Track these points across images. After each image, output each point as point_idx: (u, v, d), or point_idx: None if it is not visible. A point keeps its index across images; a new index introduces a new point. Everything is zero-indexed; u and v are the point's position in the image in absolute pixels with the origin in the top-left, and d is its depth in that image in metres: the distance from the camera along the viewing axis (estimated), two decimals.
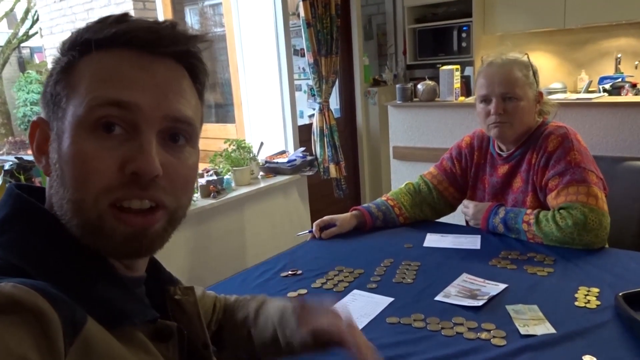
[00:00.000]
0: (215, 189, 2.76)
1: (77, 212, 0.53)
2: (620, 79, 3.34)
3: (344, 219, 1.62)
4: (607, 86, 3.10)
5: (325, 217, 1.62)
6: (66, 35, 0.59)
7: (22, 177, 2.12)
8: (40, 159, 0.57)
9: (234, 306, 0.86)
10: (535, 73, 1.52)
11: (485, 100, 1.51)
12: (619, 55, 3.74)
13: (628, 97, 2.78)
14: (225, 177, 2.90)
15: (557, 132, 1.47)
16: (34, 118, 0.58)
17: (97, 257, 0.55)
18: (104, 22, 0.56)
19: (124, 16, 0.56)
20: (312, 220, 1.64)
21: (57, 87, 0.55)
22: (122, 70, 0.54)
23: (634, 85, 3.06)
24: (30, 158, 2.35)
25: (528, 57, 1.54)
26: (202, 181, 2.79)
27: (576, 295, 1.11)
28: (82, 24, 0.59)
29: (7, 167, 2.20)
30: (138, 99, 0.53)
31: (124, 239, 0.54)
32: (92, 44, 0.55)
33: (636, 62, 3.68)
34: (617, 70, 3.73)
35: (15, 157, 2.37)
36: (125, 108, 0.53)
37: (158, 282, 0.66)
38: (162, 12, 3.62)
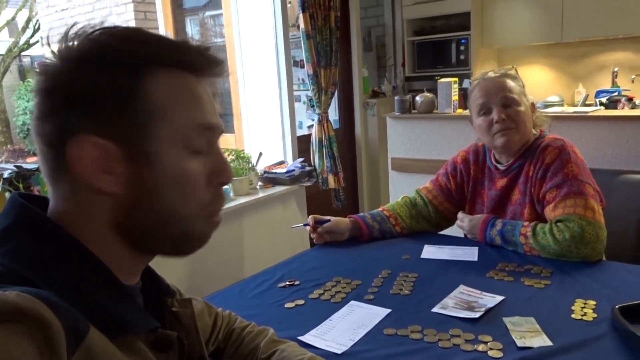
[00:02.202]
0: None
1: (180, 223, 0.58)
2: (617, 93, 3.37)
3: (339, 218, 1.64)
4: (604, 100, 3.12)
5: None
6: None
7: (21, 185, 2.12)
8: (103, 177, 0.55)
9: (240, 335, 0.86)
10: (524, 85, 1.57)
11: (485, 111, 1.52)
12: (616, 69, 3.77)
13: (625, 111, 2.80)
14: (224, 187, 2.90)
15: (554, 145, 1.48)
16: (80, 138, 0.54)
17: (100, 266, 0.55)
18: (162, 41, 0.58)
19: (186, 42, 0.60)
20: (310, 231, 1.65)
21: (126, 104, 0.54)
22: (201, 94, 0.60)
23: (630, 99, 3.09)
24: (30, 166, 2.35)
25: (516, 70, 1.58)
26: None
27: (573, 307, 1.11)
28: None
29: (6, 175, 2.20)
30: (218, 120, 0.61)
31: (209, 236, 0.62)
32: (159, 62, 0.57)
33: (633, 76, 3.72)
34: (613, 84, 3.76)
35: (15, 166, 2.37)
36: (212, 130, 0.60)
37: (155, 292, 0.67)
38: (163, 22, 3.65)
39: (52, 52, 0.56)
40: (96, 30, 0.56)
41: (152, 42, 0.58)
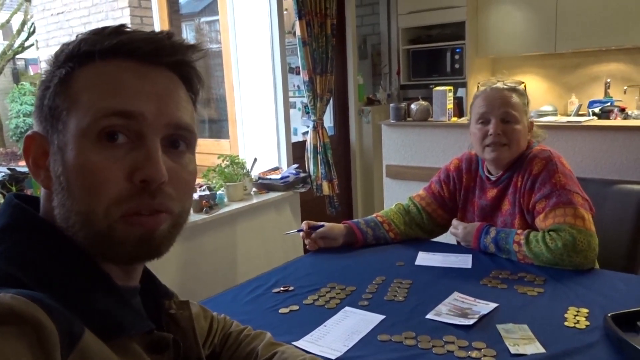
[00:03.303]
0: (207, 204, 2.76)
1: (87, 223, 0.53)
2: (609, 103, 3.41)
3: (333, 224, 1.65)
4: (597, 110, 3.15)
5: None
6: None
7: (14, 188, 2.11)
8: (39, 172, 0.57)
9: (237, 339, 0.86)
10: (528, 103, 1.57)
11: (484, 121, 1.53)
12: (609, 80, 3.81)
13: (617, 121, 2.83)
14: (218, 193, 2.90)
15: (541, 156, 1.49)
16: (29, 132, 0.57)
17: (95, 268, 0.55)
18: (101, 33, 0.57)
19: (121, 27, 0.58)
20: (303, 237, 1.65)
21: (56, 100, 0.55)
22: (125, 80, 0.55)
23: (622, 110, 3.12)
24: (23, 169, 2.34)
25: (525, 87, 1.58)
26: (194, 196, 2.79)
27: (566, 315, 1.12)
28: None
29: None
30: (142, 108, 0.55)
31: (135, 243, 0.55)
32: (93, 54, 0.55)
33: (625, 87, 3.76)
34: (606, 94, 3.80)
35: (8, 168, 2.36)
36: (130, 118, 0.54)
37: (153, 294, 0.66)
38: (159, 27, 3.65)
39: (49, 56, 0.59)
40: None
41: (98, 35, 0.56)
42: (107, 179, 0.53)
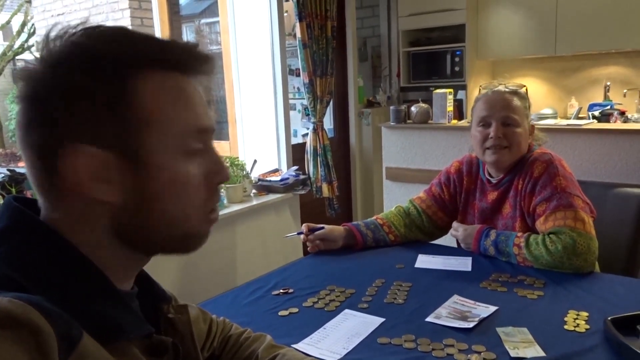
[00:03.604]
0: None
1: (180, 225, 0.58)
2: (609, 107, 3.41)
3: (333, 226, 1.65)
4: (597, 113, 3.16)
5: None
6: None
7: (13, 189, 2.11)
8: (98, 186, 0.53)
9: (238, 342, 0.86)
10: (529, 106, 1.57)
11: (485, 124, 1.54)
12: (608, 83, 3.82)
13: (617, 125, 2.83)
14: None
15: (542, 159, 1.50)
16: (72, 148, 0.52)
17: (94, 271, 0.55)
18: (145, 41, 0.56)
19: (153, 36, 0.58)
20: (303, 240, 1.65)
21: (117, 110, 0.53)
22: (193, 96, 0.59)
23: (622, 113, 3.12)
24: (23, 170, 2.34)
25: (526, 91, 1.59)
26: None
27: (565, 318, 1.12)
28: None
29: None
30: (211, 122, 0.61)
31: (209, 233, 0.62)
32: (148, 64, 0.55)
33: (625, 90, 3.76)
34: (606, 97, 3.80)
35: (7, 170, 2.35)
36: (206, 132, 0.60)
37: (151, 298, 0.66)
38: (159, 29, 3.65)
39: (35, 56, 0.54)
40: (78, 32, 0.54)
41: (137, 42, 0.56)
42: (196, 189, 0.58)
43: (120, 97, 0.53)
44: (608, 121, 3.00)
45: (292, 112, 3.73)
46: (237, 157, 3.13)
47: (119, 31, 0.56)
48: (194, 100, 0.58)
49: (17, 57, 8.98)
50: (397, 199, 3.20)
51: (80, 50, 0.53)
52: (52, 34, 0.54)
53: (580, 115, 3.46)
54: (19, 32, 8.59)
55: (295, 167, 3.39)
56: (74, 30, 0.54)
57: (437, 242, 1.73)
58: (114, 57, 0.53)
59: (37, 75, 0.53)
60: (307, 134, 3.67)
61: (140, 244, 0.58)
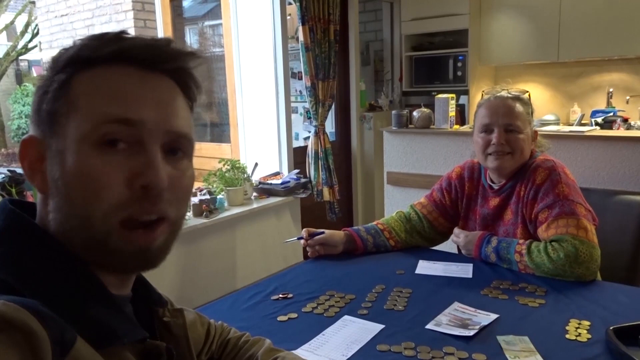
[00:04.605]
0: (207, 208, 2.75)
1: (84, 228, 0.53)
2: (612, 113, 3.40)
3: (333, 231, 1.64)
4: (599, 120, 3.15)
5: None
6: None
7: (13, 190, 2.11)
8: (34, 177, 0.56)
9: (237, 345, 0.85)
10: (532, 112, 1.56)
11: (487, 130, 1.53)
12: (611, 90, 3.81)
13: (620, 132, 2.82)
14: (218, 197, 2.89)
15: (544, 165, 1.49)
16: (25, 136, 0.57)
17: (89, 275, 0.54)
18: (102, 39, 0.56)
19: (122, 33, 0.57)
20: (304, 245, 1.64)
21: (55, 104, 0.55)
22: (125, 87, 0.55)
23: (625, 120, 3.11)
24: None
25: (529, 96, 1.58)
26: (194, 200, 2.78)
27: (567, 327, 1.11)
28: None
29: None
30: (143, 115, 0.55)
31: (131, 254, 0.55)
32: (94, 60, 0.55)
33: (627, 97, 3.76)
34: (608, 104, 3.80)
35: (8, 170, 2.35)
36: (131, 125, 0.54)
37: (146, 302, 0.66)
38: (162, 31, 3.65)
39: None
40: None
41: (98, 41, 0.56)
42: (106, 184, 0.53)
43: (59, 92, 0.55)
44: (611, 128, 2.99)
45: (293, 115, 3.73)
46: (238, 160, 3.13)
47: (99, 34, 0.58)
48: (124, 91, 0.55)
49: (20, 58, 9.01)
50: (398, 203, 3.19)
51: (57, 54, 0.58)
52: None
53: (582, 122, 3.45)
54: (23, 33, 8.62)
55: (297, 171, 3.39)
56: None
57: (438, 248, 1.72)
58: (68, 55, 0.56)
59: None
60: (308, 138, 3.67)
61: (72, 251, 0.55)
